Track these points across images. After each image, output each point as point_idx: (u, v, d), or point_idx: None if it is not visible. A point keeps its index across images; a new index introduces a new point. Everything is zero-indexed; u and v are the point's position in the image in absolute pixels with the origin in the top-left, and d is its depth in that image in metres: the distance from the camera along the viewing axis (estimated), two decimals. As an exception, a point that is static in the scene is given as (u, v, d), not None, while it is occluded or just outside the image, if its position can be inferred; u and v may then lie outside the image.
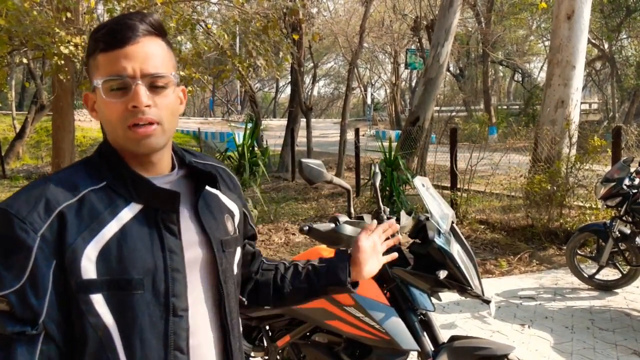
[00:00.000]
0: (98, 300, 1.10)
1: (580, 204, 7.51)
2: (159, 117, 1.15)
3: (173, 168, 1.27)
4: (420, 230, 2.54)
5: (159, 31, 1.19)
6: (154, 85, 1.15)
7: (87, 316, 1.10)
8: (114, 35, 1.13)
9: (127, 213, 1.15)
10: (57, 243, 1.08)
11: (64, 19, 6.06)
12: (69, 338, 1.12)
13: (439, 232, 2.47)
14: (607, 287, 5.57)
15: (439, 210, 2.54)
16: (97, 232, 1.11)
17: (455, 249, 2.44)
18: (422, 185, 2.61)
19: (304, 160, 2.38)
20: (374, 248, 1.52)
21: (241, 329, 1.38)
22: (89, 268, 1.09)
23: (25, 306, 1.06)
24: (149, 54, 1.15)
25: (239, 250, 1.38)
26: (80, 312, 1.10)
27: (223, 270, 1.28)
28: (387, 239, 1.59)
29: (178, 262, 1.18)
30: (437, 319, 4.55)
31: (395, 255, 1.62)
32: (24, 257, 1.06)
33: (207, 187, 1.30)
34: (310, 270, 1.53)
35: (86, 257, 1.09)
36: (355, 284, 1.52)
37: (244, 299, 1.50)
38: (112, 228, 1.12)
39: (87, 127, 24.83)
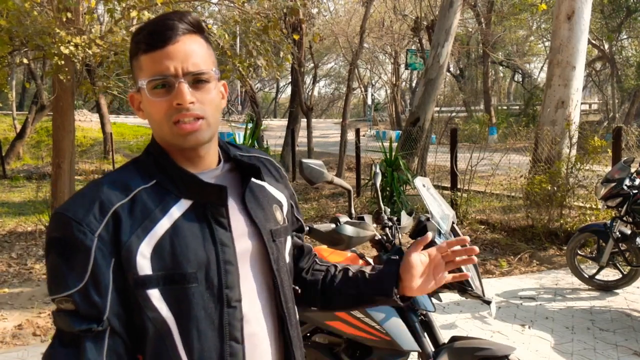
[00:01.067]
0: (155, 295, 1.14)
1: (581, 204, 7.51)
2: (203, 112, 1.19)
3: (219, 162, 1.31)
4: (421, 230, 2.54)
5: (198, 28, 1.22)
6: (196, 81, 1.18)
7: (146, 311, 1.15)
8: (154, 36, 1.17)
9: (178, 209, 1.19)
10: (113, 242, 1.13)
11: (64, 19, 6.06)
12: (131, 332, 1.17)
13: (440, 233, 2.47)
14: (608, 288, 5.57)
15: (440, 211, 2.54)
16: (150, 230, 1.15)
17: (456, 250, 2.44)
18: (423, 186, 2.61)
19: (304, 160, 2.38)
20: (429, 265, 1.41)
21: (297, 316, 1.39)
22: (144, 264, 1.13)
23: (89, 304, 1.11)
24: (190, 51, 1.18)
25: (289, 239, 1.40)
26: (139, 307, 1.15)
27: (275, 259, 1.30)
28: (454, 257, 1.42)
29: (230, 254, 1.21)
30: (438, 320, 4.55)
31: (467, 274, 1.46)
32: (84, 257, 1.11)
33: (254, 179, 1.32)
34: (359, 277, 1.49)
35: (141, 254, 1.13)
36: (404, 298, 1.44)
37: (297, 288, 1.50)
38: (164, 225, 1.16)
39: (87, 127, 24.85)
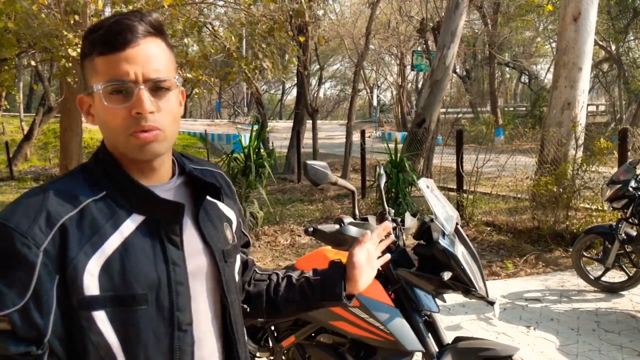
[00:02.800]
0: (100, 318, 1.05)
1: (587, 206, 7.48)
2: (161, 124, 1.11)
3: (172, 176, 1.23)
4: (424, 231, 2.55)
5: (159, 31, 1.14)
6: (157, 88, 1.10)
7: (89, 334, 1.06)
8: (113, 37, 1.07)
9: (129, 225, 1.10)
10: (59, 258, 1.03)
11: (71, 22, 6.10)
12: (73, 355, 1.08)
13: (444, 234, 2.47)
14: (613, 289, 5.55)
15: (444, 212, 2.55)
16: (99, 246, 1.06)
17: (460, 251, 2.45)
18: (427, 187, 2.62)
19: (308, 162, 2.40)
20: (368, 258, 1.46)
21: (246, 337, 1.36)
22: (91, 284, 1.04)
23: (29, 325, 1.01)
24: (151, 56, 1.10)
25: (238, 258, 1.35)
26: (82, 330, 1.06)
27: (226, 280, 1.24)
28: (381, 241, 1.54)
29: (181, 274, 1.14)
30: (443, 321, 4.56)
31: (388, 256, 1.57)
32: (26, 273, 1.01)
33: (210, 198, 1.26)
34: (304, 283, 1.46)
35: (88, 272, 1.04)
36: (350, 297, 1.46)
37: (246, 307, 1.46)
38: (114, 241, 1.08)
39: (94, 129, 24.88)
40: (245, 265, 1.49)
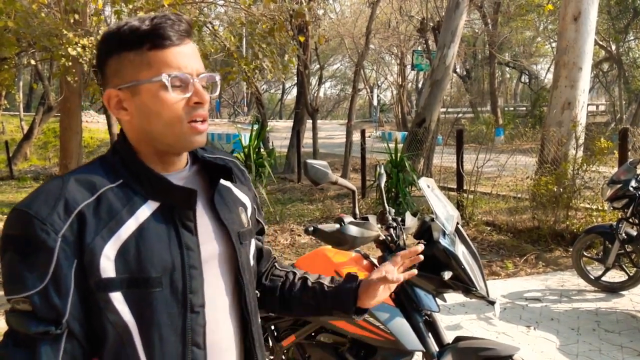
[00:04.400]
0: (117, 298, 1.11)
1: (587, 205, 7.48)
2: (206, 115, 1.20)
3: (186, 164, 1.29)
4: (425, 231, 2.55)
5: (191, 34, 1.22)
6: (203, 84, 1.19)
7: (107, 314, 1.12)
8: (167, 32, 1.13)
9: (145, 211, 1.16)
10: (77, 243, 1.09)
11: (71, 21, 6.09)
12: (90, 335, 1.14)
13: (444, 233, 2.47)
14: (614, 289, 5.55)
15: (444, 212, 2.55)
16: (116, 231, 1.11)
17: (460, 250, 2.45)
18: (427, 187, 2.61)
19: (309, 161, 2.39)
20: (385, 280, 1.45)
21: (259, 319, 1.39)
22: (107, 267, 1.10)
23: (49, 306, 1.07)
24: (195, 53, 1.19)
25: (253, 242, 1.39)
26: (100, 310, 1.12)
27: (242, 262, 1.29)
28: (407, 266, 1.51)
29: (194, 259, 1.19)
30: (443, 320, 4.55)
31: (414, 272, 1.51)
32: (46, 258, 1.07)
33: (222, 180, 1.31)
34: (318, 288, 1.50)
35: (105, 256, 1.10)
36: (360, 311, 1.48)
37: (257, 292, 1.48)
38: (130, 227, 1.13)
39: (94, 128, 24.96)
40: (261, 253, 1.52)
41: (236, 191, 1.37)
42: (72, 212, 1.09)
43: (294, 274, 1.55)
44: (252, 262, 1.37)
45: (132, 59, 1.14)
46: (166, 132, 1.16)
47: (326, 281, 1.52)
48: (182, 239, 1.17)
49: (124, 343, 1.13)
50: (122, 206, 1.14)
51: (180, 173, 1.25)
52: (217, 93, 1.29)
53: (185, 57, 1.15)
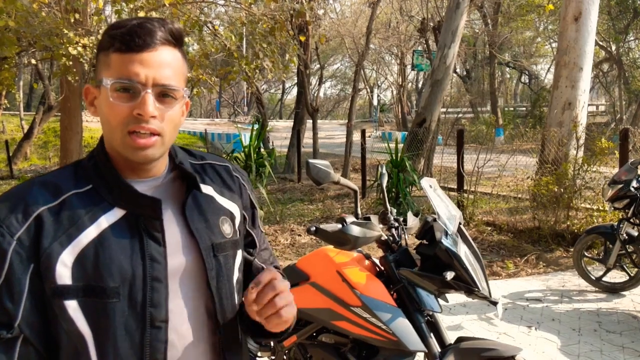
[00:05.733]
0: (72, 307, 1.07)
1: (588, 206, 7.48)
2: (161, 129, 1.12)
3: (165, 170, 1.24)
4: (427, 231, 2.55)
5: (178, 41, 1.16)
6: (163, 95, 1.12)
7: (61, 322, 1.08)
8: (132, 38, 1.10)
9: (108, 218, 1.12)
10: (33, 247, 1.06)
11: (72, 20, 6.09)
12: (49, 342, 1.11)
13: (446, 234, 2.47)
14: (615, 290, 5.55)
15: (446, 212, 2.54)
16: (75, 237, 1.08)
17: (463, 250, 2.44)
18: (430, 187, 2.61)
19: (311, 160, 2.39)
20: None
21: (240, 335, 1.30)
22: (63, 274, 1.06)
23: (0, 310, 1.05)
24: (164, 63, 1.12)
25: (239, 253, 1.30)
26: (55, 317, 1.09)
27: (213, 275, 1.21)
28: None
29: (159, 271, 1.13)
30: (444, 321, 4.54)
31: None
32: None
33: (203, 189, 1.25)
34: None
35: (61, 262, 1.06)
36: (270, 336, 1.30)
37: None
38: (90, 234, 1.09)
39: (94, 127, 24.92)
40: (249, 268, 1.40)
41: (220, 199, 1.29)
42: (30, 215, 1.07)
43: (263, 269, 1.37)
44: (236, 274, 1.28)
45: (102, 59, 1.14)
46: (110, 137, 1.14)
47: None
48: (146, 249, 1.12)
49: (78, 353, 1.10)
50: (85, 212, 1.11)
51: (154, 180, 1.20)
52: (177, 108, 1.17)
53: (142, 65, 1.09)
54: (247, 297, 1.17)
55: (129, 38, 1.10)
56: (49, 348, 1.11)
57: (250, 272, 1.40)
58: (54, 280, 1.06)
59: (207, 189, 1.26)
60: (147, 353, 1.12)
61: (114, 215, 1.12)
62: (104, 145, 1.18)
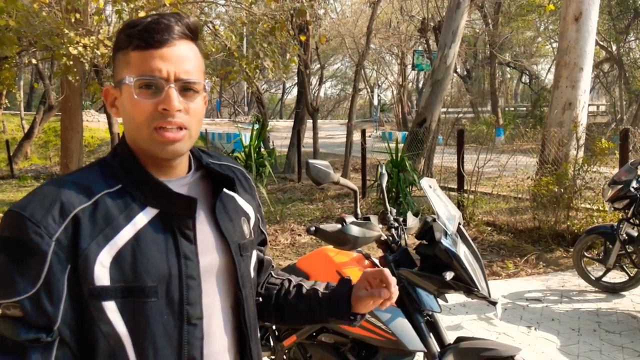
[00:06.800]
0: (110, 308, 1.07)
1: (588, 206, 7.48)
2: (187, 123, 1.13)
3: (190, 169, 1.25)
4: (427, 231, 2.55)
5: (194, 35, 1.17)
6: (186, 89, 1.13)
7: (99, 323, 1.07)
8: (151, 34, 1.10)
9: (142, 218, 1.12)
10: (71, 248, 1.05)
11: (72, 20, 6.10)
12: (83, 344, 1.09)
13: (446, 234, 2.47)
14: (614, 290, 5.55)
15: (446, 212, 2.55)
16: (112, 238, 1.08)
17: (462, 251, 2.44)
18: (429, 187, 2.61)
19: (311, 161, 2.39)
20: (379, 284, 1.34)
21: (259, 333, 1.35)
22: (102, 274, 1.06)
23: (40, 312, 1.03)
24: (184, 57, 1.13)
25: (254, 253, 1.35)
26: (92, 319, 1.07)
27: (241, 274, 1.25)
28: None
29: (193, 269, 1.15)
30: (444, 321, 4.54)
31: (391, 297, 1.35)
32: (38, 262, 1.03)
33: (227, 190, 1.27)
34: (312, 295, 1.43)
35: (99, 263, 1.06)
36: (356, 316, 1.39)
37: (259, 299, 1.45)
38: (126, 234, 1.09)
39: (94, 127, 24.95)
40: (261, 263, 1.47)
41: (240, 201, 1.32)
42: (67, 216, 1.06)
43: (290, 281, 1.49)
44: (252, 274, 1.32)
45: (120, 58, 1.15)
46: (137, 135, 1.14)
47: (321, 287, 1.45)
48: (180, 247, 1.14)
49: (116, 354, 1.09)
50: (119, 212, 1.10)
51: (182, 179, 1.21)
52: (200, 99, 1.20)
53: (163, 60, 1.10)
54: (383, 277, 1.31)
55: (147, 35, 1.10)
56: (83, 350, 1.10)
57: (262, 267, 1.47)
58: (92, 281, 1.05)
59: (229, 190, 1.29)
60: (185, 350, 1.13)
61: (148, 214, 1.13)
62: (127, 144, 1.17)
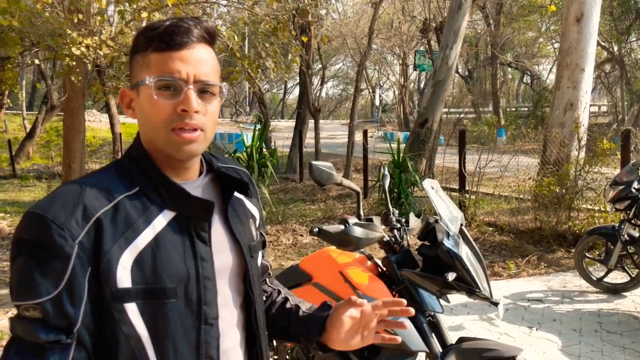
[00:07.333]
0: (132, 310, 1.09)
1: (589, 206, 7.49)
2: (203, 124, 1.15)
3: (200, 173, 1.27)
4: (429, 232, 2.56)
5: (212, 39, 1.20)
6: (203, 91, 1.15)
7: (121, 325, 1.09)
8: (171, 37, 1.13)
9: (161, 220, 1.14)
10: (93, 251, 1.06)
11: (75, 21, 6.10)
12: (99, 346, 1.11)
13: (448, 235, 2.48)
14: (616, 290, 5.56)
15: (448, 213, 2.56)
16: (132, 241, 1.10)
17: (464, 251, 2.45)
18: (431, 188, 2.62)
19: (314, 162, 2.41)
20: (360, 321, 1.33)
21: (266, 331, 1.37)
22: (123, 277, 1.08)
23: (61, 314, 1.04)
24: (203, 60, 1.16)
25: (260, 254, 1.38)
26: (113, 321, 1.09)
27: (252, 275, 1.28)
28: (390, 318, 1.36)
29: (208, 270, 1.17)
30: (446, 321, 4.55)
31: (396, 339, 1.34)
32: (62, 264, 1.04)
33: (236, 193, 1.30)
34: (294, 311, 1.44)
35: (121, 265, 1.08)
36: (325, 347, 1.38)
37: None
38: (146, 236, 1.11)
39: (97, 127, 24.99)
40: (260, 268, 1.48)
41: (248, 203, 1.35)
42: (90, 219, 1.07)
43: (279, 292, 1.50)
44: (259, 274, 1.36)
45: (139, 60, 1.17)
46: (154, 136, 1.15)
47: (304, 307, 1.44)
48: (196, 249, 1.16)
49: (136, 356, 1.11)
50: (138, 215, 1.12)
51: (195, 182, 1.24)
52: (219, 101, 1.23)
53: (183, 62, 1.13)
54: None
55: (167, 37, 1.13)
56: (99, 352, 1.11)
57: (261, 273, 1.49)
58: (114, 283, 1.07)
59: (238, 193, 1.32)
60: (203, 349, 1.16)
61: (166, 217, 1.15)
62: (142, 146, 1.19)
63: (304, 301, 1.48)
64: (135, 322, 1.09)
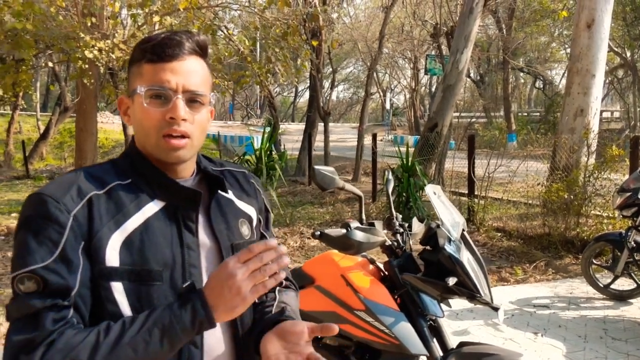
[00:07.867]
0: (118, 289, 1.15)
1: (598, 213, 7.47)
2: (191, 132, 1.23)
3: (192, 174, 1.34)
4: (431, 237, 2.59)
5: (203, 52, 1.27)
6: (192, 101, 1.23)
7: (106, 303, 1.14)
8: (163, 49, 1.21)
9: (151, 207, 1.22)
10: (86, 227, 1.14)
11: (88, 24, 6.20)
12: (92, 319, 1.14)
13: (450, 240, 2.51)
14: (622, 297, 5.55)
15: (450, 218, 2.58)
16: (122, 223, 1.17)
17: (465, 257, 2.48)
18: (434, 193, 2.65)
19: (316, 167, 2.45)
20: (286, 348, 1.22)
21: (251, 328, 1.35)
22: (112, 256, 1.14)
23: (57, 278, 1.09)
24: (192, 71, 1.23)
25: None
26: (100, 299, 1.14)
27: None
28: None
29: (195, 258, 1.24)
30: (450, 326, 4.58)
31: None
32: (57, 232, 1.11)
33: (223, 193, 1.35)
34: (265, 324, 1.32)
35: (111, 245, 1.14)
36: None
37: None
38: (136, 220, 1.19)
39: (109, 129, 25.17)
40: None
41: (239, 203, 1.39)
42: (83, 197, 1.16)
43: (274, 298, 1.42)
44: None
45: (134, 71, 1.26)
46: (146, 141, 1.24)
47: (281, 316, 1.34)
48: (183, 238, 1.23)
49: None
50: (130, 201, 1.20)
51: (185, 181, 1.30)
52: (207, 109, 1.27)
53: (173, 73, 1.20)
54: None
55: (159, 49, 1.21)
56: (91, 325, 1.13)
57: None
58: (103, 261, 1.14)
59: (227, 193, 1.37)
60: None
61: (156, 205, 1.23)
62: (138, 149, 1.27)
63: (288, 309, 1.39)
64: (120, 301, 1.15)
